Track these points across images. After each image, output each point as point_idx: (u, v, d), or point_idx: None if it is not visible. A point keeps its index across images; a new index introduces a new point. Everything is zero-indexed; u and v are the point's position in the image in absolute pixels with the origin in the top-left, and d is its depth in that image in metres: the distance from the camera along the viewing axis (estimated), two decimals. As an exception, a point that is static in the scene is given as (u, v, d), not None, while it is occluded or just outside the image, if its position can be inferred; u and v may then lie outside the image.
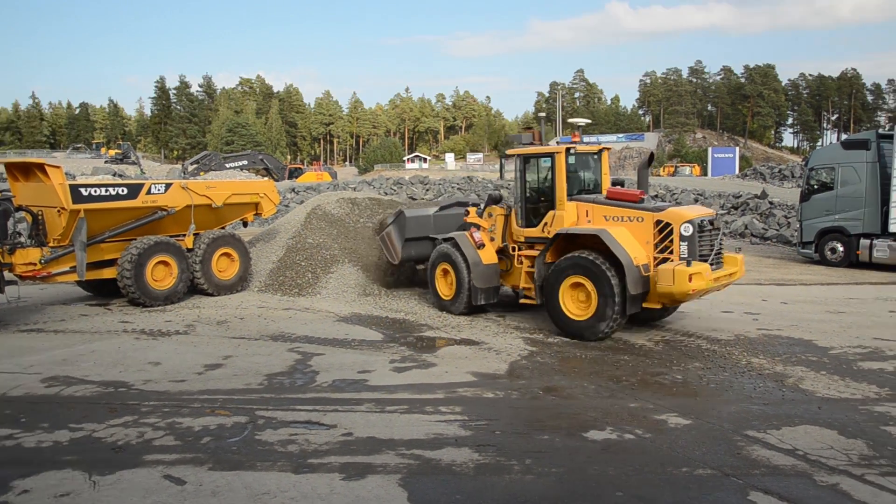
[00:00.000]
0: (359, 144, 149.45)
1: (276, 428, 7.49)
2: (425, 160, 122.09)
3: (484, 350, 10.89)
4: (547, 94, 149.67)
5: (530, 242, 12.67)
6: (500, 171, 14.93)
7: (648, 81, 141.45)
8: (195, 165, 67.66)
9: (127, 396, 8.67)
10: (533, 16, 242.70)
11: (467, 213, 13.92)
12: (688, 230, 11.03)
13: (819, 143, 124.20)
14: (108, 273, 14.64)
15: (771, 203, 34.04)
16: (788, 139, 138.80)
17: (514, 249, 13.05)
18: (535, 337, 11.73)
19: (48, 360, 10.39)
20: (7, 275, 13.16)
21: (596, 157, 12.98)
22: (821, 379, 9.41)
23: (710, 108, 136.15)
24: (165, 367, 10.00)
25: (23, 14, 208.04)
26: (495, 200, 13.49)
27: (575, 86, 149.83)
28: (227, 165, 69.25)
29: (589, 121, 16.35)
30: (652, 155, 14.68)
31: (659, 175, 80.00)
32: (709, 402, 8.48)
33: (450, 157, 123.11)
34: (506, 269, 13.26)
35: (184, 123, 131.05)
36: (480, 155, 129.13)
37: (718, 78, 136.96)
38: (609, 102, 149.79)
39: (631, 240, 11.32)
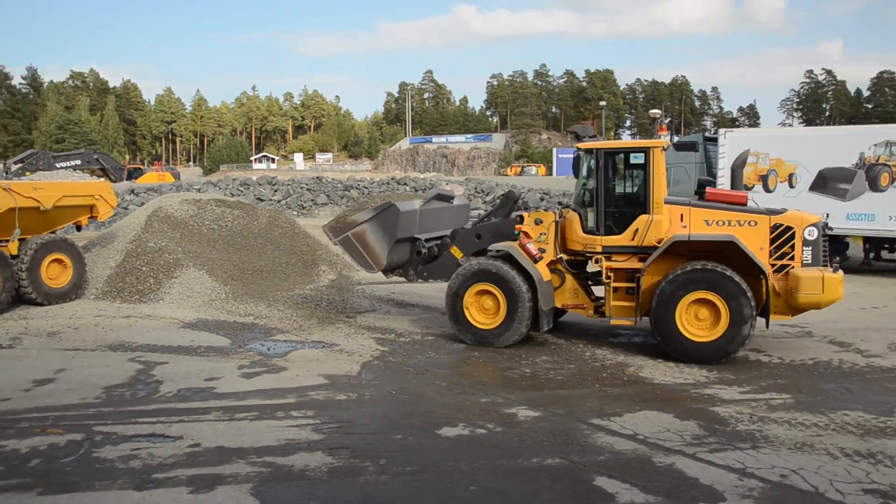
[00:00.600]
0: (203, 144, 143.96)
1: (116, 443, 7.06)
2: (273, 160, 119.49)
3: (336, 352, 10.78)
4: (396, 95, 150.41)
5: (608, 253, 10.87)
6: (575, 169, 11.78)
7: (496, 83, 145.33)
8: (19, 165, 62.62)
9: (-58, 419, 7.90)
10: (381, 16, 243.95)
11: (521, 219, 11.59)
12: (812, 234, 10.33)
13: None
14: (-84, 284, 13.27)
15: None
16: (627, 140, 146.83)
17: (569, 262, 11.40)
18: (386, 337, 11.75)
19: None
20: None
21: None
22: (658, 366, 10.02)
23: (554, 110, 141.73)
24: (-12, 384, 9.18)
25: None
26: (513, 200, 12.37)
27: (424, 86, 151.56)
28: (58, 165, 64.61)
29: (661, 112, 15.30)
30: (747, 154, 13.86)
31: (506, 175, 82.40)
32: (556, 394, 8.82)
33: (299, 157, 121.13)
34: (557, 285, 11.41)
35: (4, 119, 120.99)
36: (330, 155, 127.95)
37: (562, 81, 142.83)
38: (458, 103, 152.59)
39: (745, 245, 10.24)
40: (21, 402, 8.45)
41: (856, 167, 18.22)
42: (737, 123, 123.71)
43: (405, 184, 46.43)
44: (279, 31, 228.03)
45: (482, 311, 11.14)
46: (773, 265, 10.38)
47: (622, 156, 11.16)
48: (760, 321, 10.41)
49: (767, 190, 20.28)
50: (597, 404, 8.37)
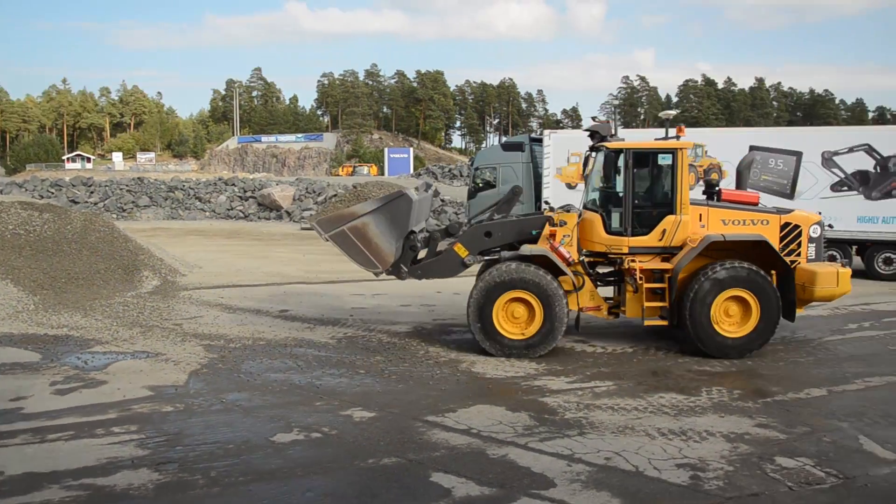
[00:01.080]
0: (5, 141, 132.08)
1: None
2: (89, 160, 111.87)
3: (161, 362, 10.21)
4: (223, 92, 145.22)
5: (633, 254, 10.86)
6: (584, 167, 11.63)
7: (326, 82, 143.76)
8: None
9: None
10: (208, 10, 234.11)
11: (551, 220, 11.11)
12: (816, 232, 10.96)
13: (483, 145, 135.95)
14: None
15: (443, 201, 36.58)
16: (457, 141, 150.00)
17: (590, 264, 11.34)
18: (215, 344, 11.29)
19: None
20: None
21: None
22: (490, 361, 10.30)
23: (385, 110, 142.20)
24: None
25: None
26: (517, 194, 11.95)
27: (253, 84, 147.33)
28: None
29: (677, 111, 14.76)
30: (753, 155, 13.88)
31: (338, 175, 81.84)
32: (391, 394, 8.83)
33: (117, 156, 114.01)
34: (577, 287, 11.03)
35: None
36: (152, 154, 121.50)
37: (393, 81, 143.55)
38: (288, 102, 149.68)
39: None
40: None
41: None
42: (561, 125, 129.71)
43: (233, 184, 44.85)
44: (93, 21, 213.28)
45: (511, 320, 10.55)
46: None
47: (650, 156, 11.17)
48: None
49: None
50: (431, 401, 8.47)
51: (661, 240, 10.84)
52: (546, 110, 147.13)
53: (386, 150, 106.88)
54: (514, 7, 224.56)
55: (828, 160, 19.30)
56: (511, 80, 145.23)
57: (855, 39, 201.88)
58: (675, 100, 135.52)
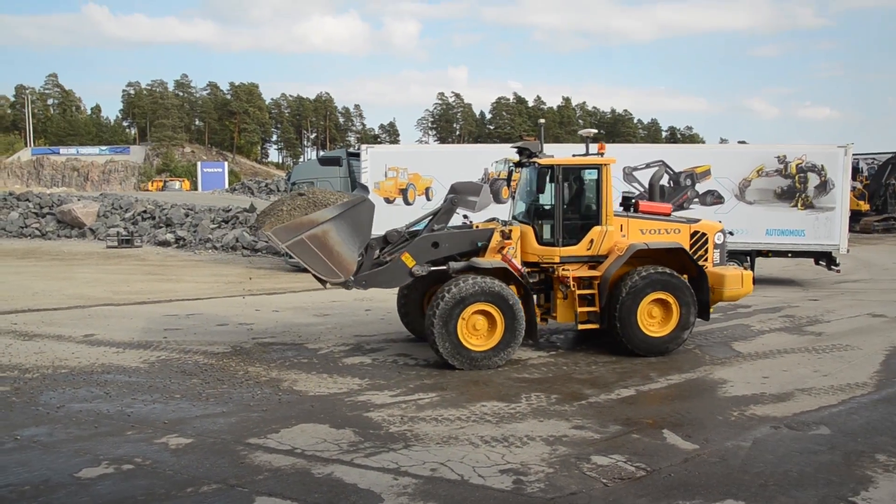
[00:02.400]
0: None
1: None
2: None
3: (-57, 397, 9.14)
4: (13, 99, 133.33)
5: (564, 263, 11.58)
6: (508, 181, 12.83)
7: (133, 92, 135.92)
8: None
9: None
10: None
11: (505, 234, 11.45)
12: (720, 238, 12.15)
13: (300, 160, 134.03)
14: None
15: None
16: (274, 155, 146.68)
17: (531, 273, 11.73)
18: (7, 375, 10.25)
19: None
20: None
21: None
22: (312, 379, 10.13)
23: (198, 122, 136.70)
24: None
25: None
26: (455, 204, 11.80)
27: (48, 91, 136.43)
28: None
29: (596, 130, 14.85)
30: (662, 170, 14.42)
31: (147, 190, 77.58)
32: (209, 418, 8.43)
33: None
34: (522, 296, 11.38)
35: None
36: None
37: (205, 93, 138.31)
38: (89, 112, 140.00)
39: None
40: None
41: (481, 181, 20.31)
42: (379, 140, 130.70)
43: (28, 199, 41.19)
44: None
45: (473, 332, 10.75)
46: None
47: (578, 172, 11.95)
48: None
49: (407, 202, 21.75)
50: (253, 423, 8.18)
51: (589, 249, 11.67)
52: (364, 125, 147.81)
53: (199, 163, 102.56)
54: (329, 22, 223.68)
55: (628, 174, 20.80)
56: (328, 94, 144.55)
57: (648, 64, 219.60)
58: (488, 116, 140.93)
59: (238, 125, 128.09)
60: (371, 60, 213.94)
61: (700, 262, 11.90)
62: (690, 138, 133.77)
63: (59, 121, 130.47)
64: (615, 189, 20.59)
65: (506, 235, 11.43)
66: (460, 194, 11.90)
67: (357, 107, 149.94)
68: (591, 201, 11.96)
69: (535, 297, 11.66)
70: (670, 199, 20.53)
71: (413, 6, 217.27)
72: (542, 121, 15.89)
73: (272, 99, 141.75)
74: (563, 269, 11.57)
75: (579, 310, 11.45)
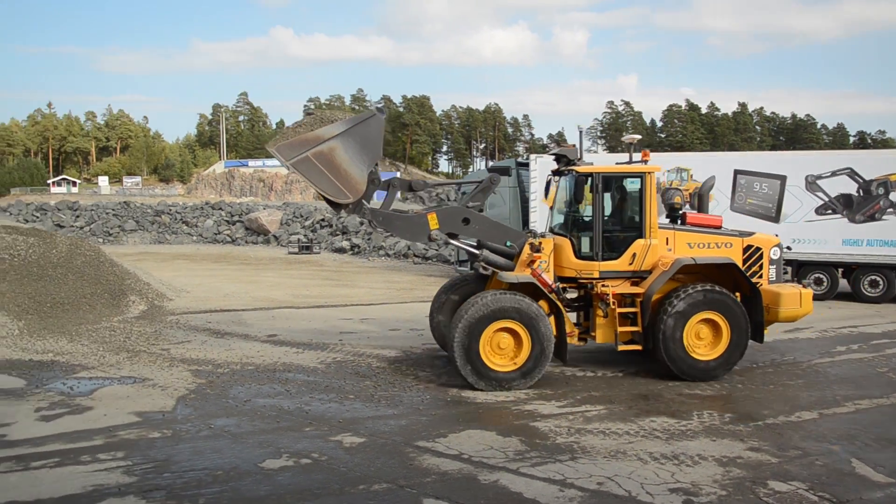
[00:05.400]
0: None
1: None
2: (75, 183, 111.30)
3: (148, 387, 10.09)
4: (210, 117, 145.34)
5: (604, 278, 10.73)
6: (546, 190, 11.96)
7: (313, 107, 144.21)
8: None
9: None
10: (195, 36, 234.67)
11: (539, 247, 10.67)
12: (776, 254, 11.23)
13: (471, 169, 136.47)
14: None
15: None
16: (444, 165, 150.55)
17: (564, 289, 11.14)
18: (203, 369, 11.17)
19: None
20: None
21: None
22: (479, 385, 10.23)
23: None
24: None
25: None
26: (495, 183, 11.33)
27: (239, 109, 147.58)
28: None
29: (640, 136, 14.68)
30: (714, 180, 14.06)
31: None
32: (380, 419, 8.74)
33: (103, 180, 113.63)
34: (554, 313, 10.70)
35: None
36: (139, 178, 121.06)
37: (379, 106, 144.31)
38: (274, 127, 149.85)
39: None
40: None
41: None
42: (547, 149, 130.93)
43: (220, 208, 44.75)
44: (80, 46, 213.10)
45: (497, 351, 10.03)
46: None
47: (619, 180, 11.25)
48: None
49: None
50: (422, 427, 8.40)
51: (631, 264, 10.80)
52: (532, 135, 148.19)
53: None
54: (499, 34, 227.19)
55: (811, 184, 19.48)
56: (497, 105, 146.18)
57: (833, 66, 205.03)
58: (659, 124, 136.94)
59: (410, 137, 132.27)
60: (539, 70, 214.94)
61: (754, 279, 10.96)
62: (883, 143, 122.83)
63: (248, 135, 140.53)
64: (797, 199, 19.73)
65: (535, 248, 10.65)
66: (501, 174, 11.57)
67: (525, 117, 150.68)
68: (634, 212, 11.12)
69: (567, 314, 10.77)
70: (859, 209, 19.01)
71: (582, 16, 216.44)
72: (582, 126, 14.74)
73: (443, 111, 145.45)
74: (603, 286, 10.73)
75: (620, 329, 10.65)
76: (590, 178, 10.79)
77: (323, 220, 39.31)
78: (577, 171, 10.90)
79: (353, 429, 8.29)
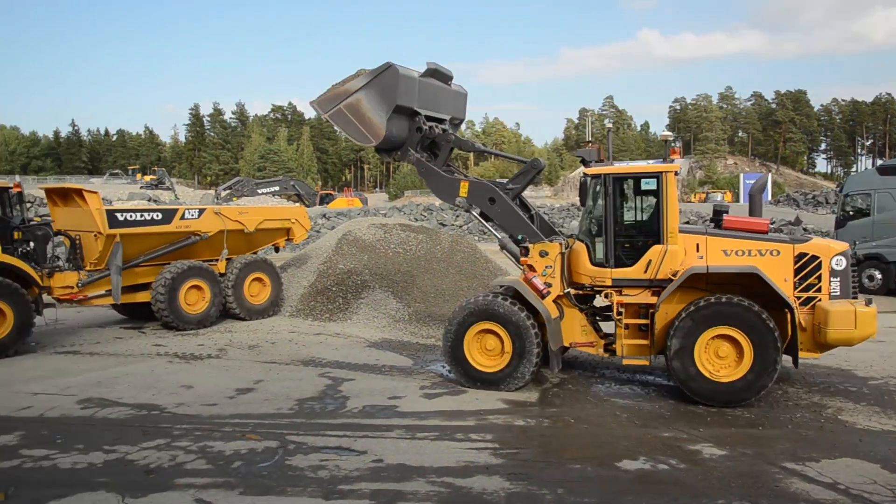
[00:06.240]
0: (389, 170, 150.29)
1: (306, 453, 7.48)
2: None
3: (515, 377, 10.78)
4: (576, 121, 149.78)
5: (618, 286, 10.06)
6: (581, 196, 10.59)
7: (678, 108, 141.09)
8: (228, 191, 68.36)
9: (159, 419, 8.73)
10: (563, 44, 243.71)
11: (526, 251, 10.50)
12: (840, 264, 9.61)
13: (854, 169, 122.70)
14: (142, 297, 14.82)
15: (805, 230, 33.63)
16: (822, 165, 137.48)
17: (576, 296, 10.58)
18: (567, 364, 11.60)
19: (83, 382, 10.52)
20: (45, 298, 13.41)
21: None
22: (861, 410, 9.18)
23: (740, 133, 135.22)
24: (197, 390, 10.06)
25: (64, 47, 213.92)
26: (537, 170, 11.31)
27: (604, 112, 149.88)
28: (260, 191, 69.77)
29: (675, 135, 14.73)
30: (768, 179, 13.72)
31: (689, 201, 79.40)
32: (744, 433, 8.30)
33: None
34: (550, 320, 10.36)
35: (217, 150, 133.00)
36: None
37: (749, 104, 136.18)
38: (639, 129, 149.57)
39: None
40: (226, 408, 9.19)
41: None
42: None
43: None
44: (463, 62, 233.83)
45: (484, 352, 10.19)
46: (798, 297, 9.61)
47: (633, 181, 10.46)
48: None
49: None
50: (789, 447, 7.79)
51: (646, 271, 9.86)
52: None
53: (741, 175, 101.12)
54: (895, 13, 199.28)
55: None
56: (889, 95, 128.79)
57: None
58: None
59: (783, 135, 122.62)
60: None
61: (811, 293, 9.50)
62: None
63: (613, 138, 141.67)
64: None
65: (543, 254, 10.31)
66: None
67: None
68: (651, 215, 10.13)
69: (574, 322, 10.45)
70: None
71: None
72: (611, 126, 12.91)
73: (821, 105, 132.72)
74: (618, 294, 9.92)
75: (625, 342, 9.92)
76: (600, 180, 10.18)
77: (687, 222, 38.20)
78: (585, 173, 10.45)
79: (715, 439, 7.99)
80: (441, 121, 11.87)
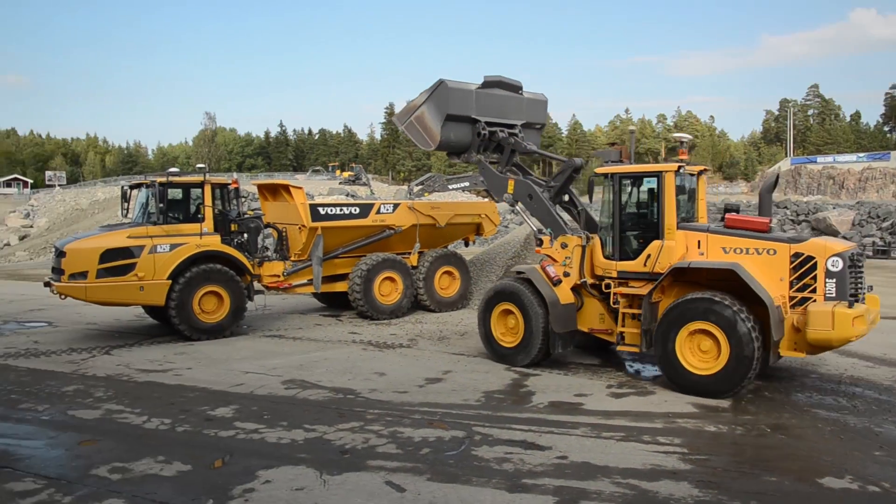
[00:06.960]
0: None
1: (492, 445, 7.62)
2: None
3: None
4: (776, 112, 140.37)
5: (623, 278, 10.67)
6: (590, 193, 11.65)
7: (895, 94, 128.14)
8: (420, 187, 70.26)
9: (354, 403, 9.25)
10: (764, 31, 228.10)
11: (540, 241, 11.71)
12: (836, 265, 9.39)
13: None
14: (339, 286, 15.74)
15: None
16: None
17: (594, 286, 11.23)
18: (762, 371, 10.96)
19: (287, 364, 11.36)
20: (255, 285, 14.61)
21: (693, 178, 11.05)
22: None
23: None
24: (390, 377, 10.54)
25: (273, 58, 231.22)
26: (573, 168, 12.56)
27: (808, 102, 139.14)
28: (450, 187, 71.40)
29: (692, 136, 15.25)
30: (777, 178, 12.96)
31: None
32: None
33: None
34: (578, 307, 11.34)
35: (410, 147, 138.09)
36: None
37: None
38: (848, 119, 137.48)
39: (761, 276, 9.62)
40: (416, 395, 9.56)
41: None
42: None
43: (785, 207, 42.95)
44: (652, 55, 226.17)
45: (507, 330, 11.52)
46: (792, 297, 9.59)
47: (635, 180, 10.90)
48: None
49: None
50: None
51: (645, 265, 10.40)
52: None
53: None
54: None
55: None
56: None
57: None
58: None
59: None
60: None
61: (805, 294, 9.44)
62: None
63: (817, 130, 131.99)
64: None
65: (563, 245, 11.42)
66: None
67: None
68: (651, 212, 10.67)
69: (593, 309, 11.27)
70: None
71: None
72: (633, 128, 10.95)
73: None
74: (620, 285, 10.67)
75: (619, 329, 10.62)
76: (607, 178, 10.91)
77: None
78: (594, 172, 11.21)
79: (935, 463, 7.23)
80: (511, 126, 13.71)
